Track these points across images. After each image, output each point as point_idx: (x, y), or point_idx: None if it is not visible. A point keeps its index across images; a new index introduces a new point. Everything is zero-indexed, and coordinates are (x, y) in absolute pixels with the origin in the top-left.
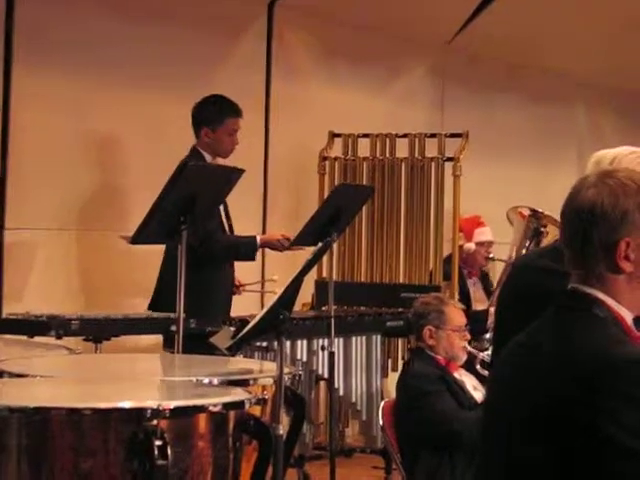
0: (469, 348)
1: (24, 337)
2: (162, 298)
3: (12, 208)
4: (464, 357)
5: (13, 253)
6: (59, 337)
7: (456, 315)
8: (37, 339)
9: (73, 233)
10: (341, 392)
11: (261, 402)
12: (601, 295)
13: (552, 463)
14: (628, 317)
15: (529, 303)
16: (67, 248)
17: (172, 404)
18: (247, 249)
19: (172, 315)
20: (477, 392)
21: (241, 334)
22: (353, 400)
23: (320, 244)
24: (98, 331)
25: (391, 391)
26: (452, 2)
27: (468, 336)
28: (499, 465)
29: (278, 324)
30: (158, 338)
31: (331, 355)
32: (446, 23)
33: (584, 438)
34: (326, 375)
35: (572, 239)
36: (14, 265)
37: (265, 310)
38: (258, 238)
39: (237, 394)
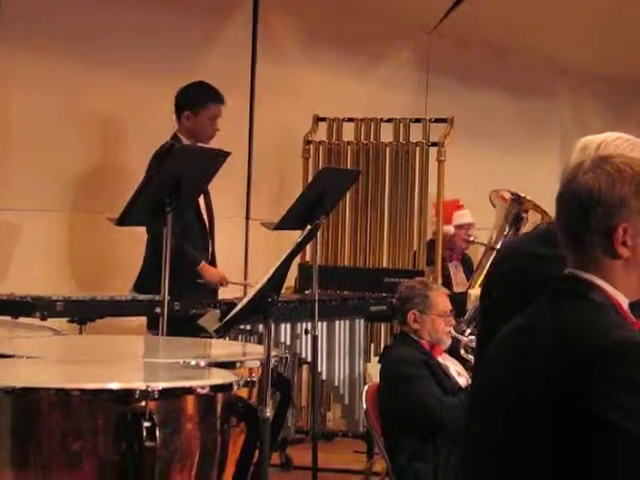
0: (454, 333)
1: (8, 318)
2: (143, 280)
3: None
4: (449, 342)
5: (0, 233)
6: (44, 318)
7: (441, 300)
8: (21, 320)
9: (59, 214)
10: (324, 376)
11: (249, 384)
12: (598, 280)
13: (549, 447)
14: (624, 302)
15: (515, 288)
16: (52, 229)
17: (160, 385)
18: (189, 264)
19: (157, 297)
20: (461, 377)
21: (229, 317)
22: (336, 384)
23: (309, 226)
24: (83, 312)
25: (372, 375)
26: None
27: (453, 321)
28: (488, 449)
29: (266, 307)
30: (142, 320)
31: (314, 339)
32: (431, 8)
33: (583, 422)
34: (309, 359)
35: (568, 224)
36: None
37: (253, 293)
38: (202, 265)
39: (225, 376)
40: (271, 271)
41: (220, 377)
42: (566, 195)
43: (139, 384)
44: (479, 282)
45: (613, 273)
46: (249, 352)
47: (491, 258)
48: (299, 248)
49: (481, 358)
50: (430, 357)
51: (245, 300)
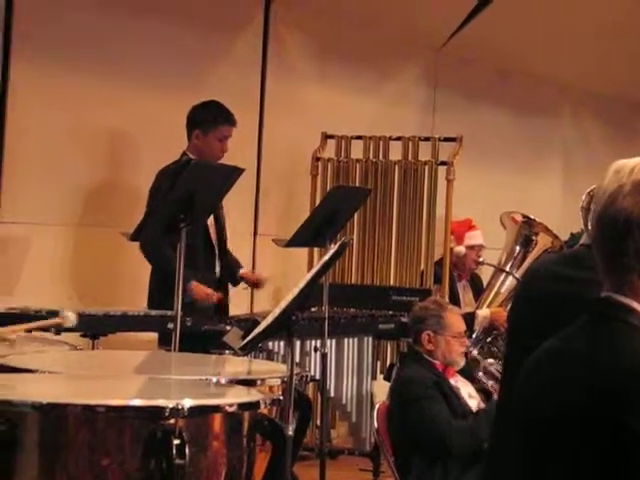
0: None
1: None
2: (152, 296)
3: (8, 202)
4: (462, 363)
5: (8, 247)
6: (58, 333)
7: (455, 321)
8: (35, 334)
9: (67, 228)
10: (331, 393)
11: (276, 403)
12: (635, 304)
13: (588, 468)
14: None
15: (544, 309)
16: (60, 243)
17: (190, 403)
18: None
19: (169, 313)
20: (472, 399)
21: (254, 334)
22: (343, 402)
23: (337, 244)
24: (97, 327)
25: (377, 394)
26: (446, 7)
27: (467, 342)
28: (520, 469)
29: (290, 325)
30: (152, 335)
31: (324, 356)
32: (439, 27)
33: (622, 447)
34: (318, 376)
35: (606, 247)
36: (8, 259)
37: (279, 311)
38: (192, 283)
39: (251, 394)
40: (297, 289)
41: (246, 395)
42: (604, 218)
43: (169, 401)
44: (487, 303)
45: None
46: (264, 370)
47: (500, 279)
48: (327, 266)
49: (507, 377)
50: (442, 378)
51: (270, 318)
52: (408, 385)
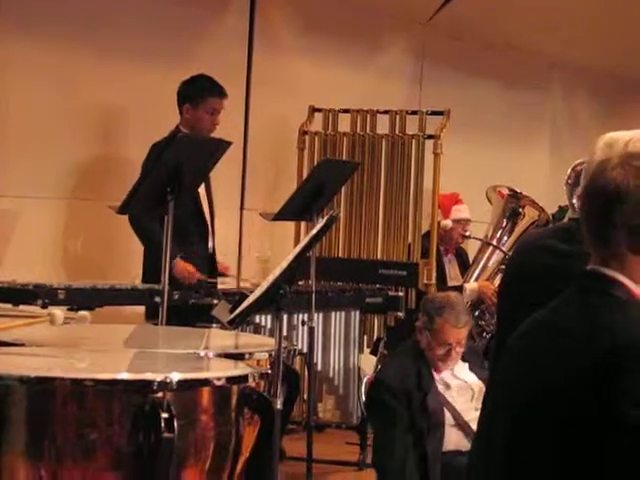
0: None
1: (9, 305)
2: (145, 271)
3: None
4: (445, 368)
5: None
6: (45, 306)
7: (445, 330)
8: (22, 307)
9: (57, 202)
10: (319, 367)
11: (264, 376)
12: (621, 277)
13: (576, 445)
14: None
15: (536, 283)
16: (50, 217)
17: (178, 376)
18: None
19: (156, 286)
20: (461, 396)
21: (242, 308)
22: (330, 375)
23: (325, 218)
24: (84, 301)
25: (365, 368)
26: None
27: (454, 352)
28: (507, 449)
29: (278, 299)
30: (140, 308)
31: (311, 330)
32: (427, 1)
33: (605, 418)
34: (305, 350)
35: (593, 219)
36: None
37: (267, 284)
38: (176, 260)
39: (240, 368)
40: (285, 263)
41: (234, 369)
42: (592, 190)
43: (157, 375)
44: (475, 277)
45: (636, 269)
46: (252, 343)
47: (487, 253)
48: (314, 240)
49: (498, 350)
50: (425, 374)
51: (258, 292)
52: (380, 386)
